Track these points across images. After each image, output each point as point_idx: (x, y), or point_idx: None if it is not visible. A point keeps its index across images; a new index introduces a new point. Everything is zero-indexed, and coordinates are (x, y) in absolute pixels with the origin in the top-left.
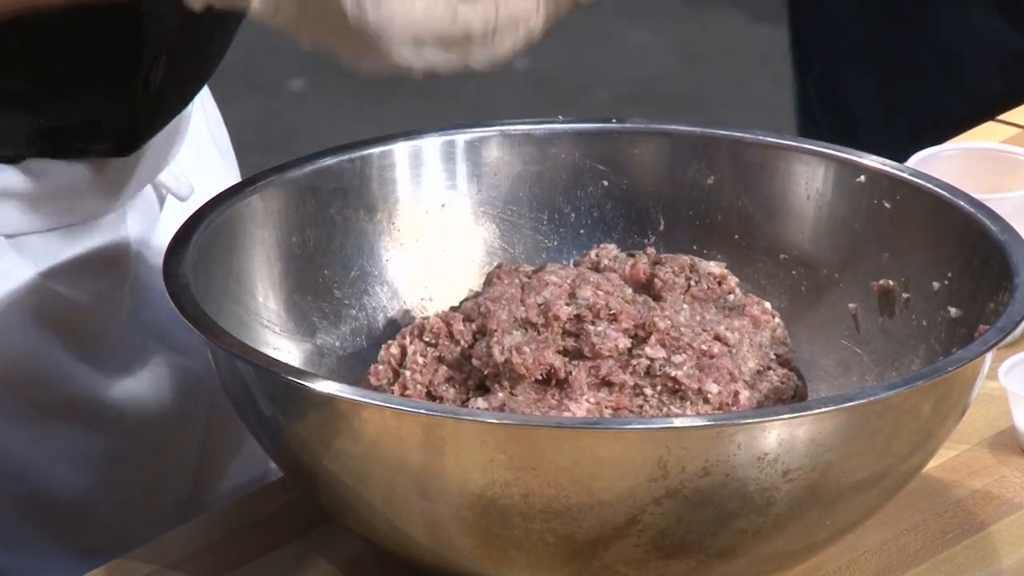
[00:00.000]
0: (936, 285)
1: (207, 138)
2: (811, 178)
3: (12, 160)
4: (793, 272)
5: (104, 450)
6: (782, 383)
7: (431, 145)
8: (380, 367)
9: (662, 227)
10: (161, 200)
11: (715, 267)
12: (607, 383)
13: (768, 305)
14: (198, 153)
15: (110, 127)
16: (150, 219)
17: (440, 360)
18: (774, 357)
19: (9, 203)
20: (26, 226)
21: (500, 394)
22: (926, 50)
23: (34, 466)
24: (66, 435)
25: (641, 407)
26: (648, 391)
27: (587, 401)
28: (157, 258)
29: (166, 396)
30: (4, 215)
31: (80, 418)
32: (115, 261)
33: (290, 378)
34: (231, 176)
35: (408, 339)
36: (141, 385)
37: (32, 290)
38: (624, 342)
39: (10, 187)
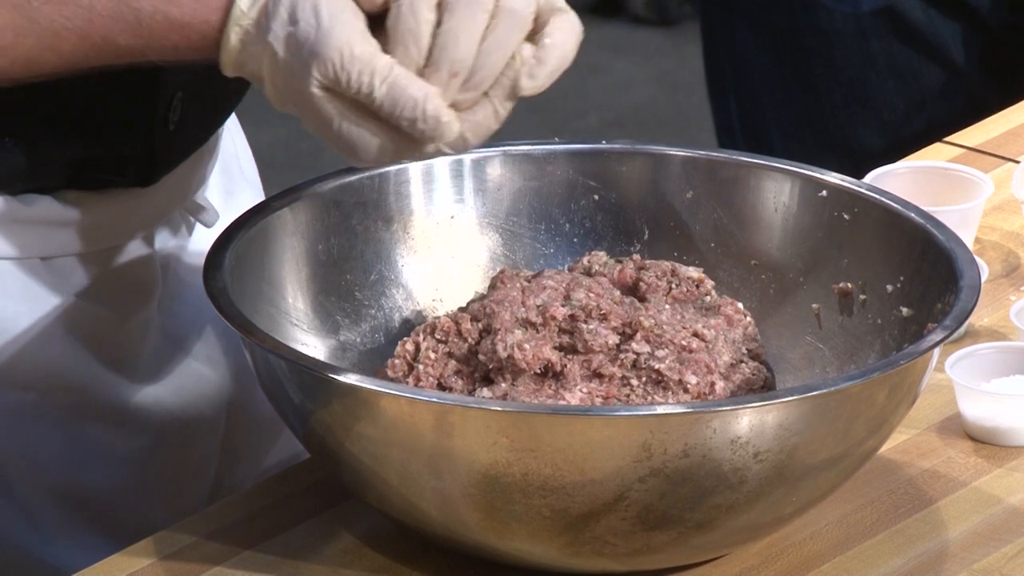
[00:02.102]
0: (890, 288)
1: (236, 169)
2: (778, 193)
3: (45, 190)
4: (763, 276)
5: (133, 449)
6: (753, 375)
7: (441, 164)
8: (396, 361)
9: (646, 236)
10: (189, 226)
11: (693, 272)
12: (598, 375)
13: (741, 305)
14: (228, 183)
15: (132, 161)
16: (179, 242)
17: (450, 355)
18: (746, 352)
19: (44, 229)
20: (59, 249)
21: (503, 385)
22: (832, 77)
23: (70, 464)
24: (98, 436)
25: (628, 396)
26: (634, 382)
27: (580, 391)
28: (184, 277)
29: (188, 402)
30: (39, 239)
31: (110, 421)
32: (144, 281)
33: (317, 371)
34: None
35: (421, 336)
36: (166, 392)
37: (67, 307)
38: (613, 339)
39: (44, 215)
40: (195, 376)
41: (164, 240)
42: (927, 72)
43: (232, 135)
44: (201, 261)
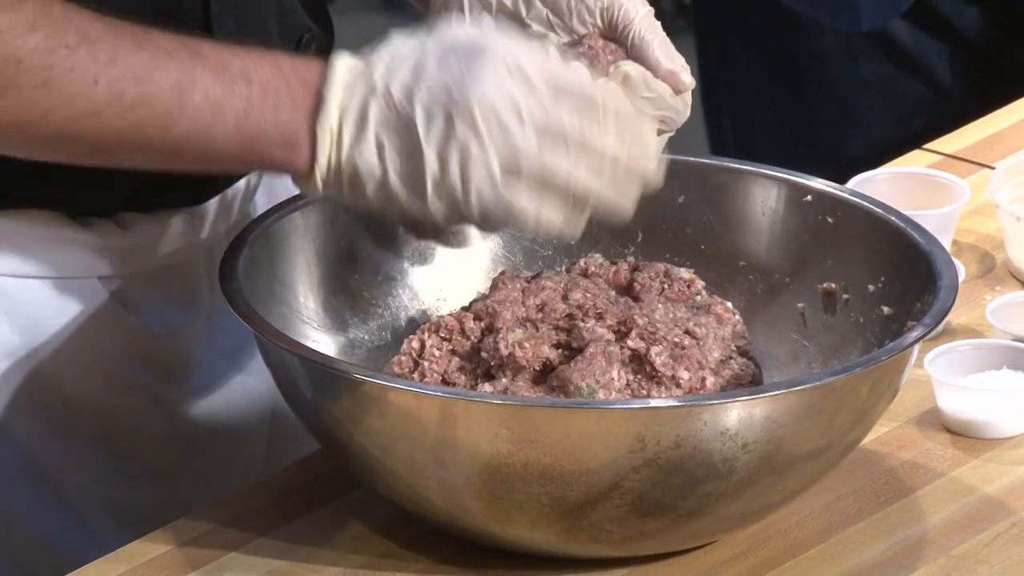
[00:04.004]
0: (871, 287)
1: (281, 183)
2: (766, 197)
3: (102, 213)
4: (751, 277)
5: (180, 459)
6: (742, 370)
7: None
8: (403, 358)
9: (640, 239)
10: None
11: (685, 273)
12: None
13: (730, 305)
14: (271, 197)
15: (182, 185)
16: None
17: (453, 352)
18: (735, 348)
19: (101, 250)
20: (115, 269)
21: (504, 380)
22: (823, 96)
23: (120, 474)
24: (150, 445)
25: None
26: (629, 376)
27: None
28: None
29: (235, 412)
30: (97, 260)
31: (160, 432)
32: (193, 298)
33: (327, 367)
34: None
35: (426, 334)
36: (214, 403)
37: (122, 324)
38: (609, 336)
39: (102, 237)
40: (241, 387)
41: (212, 257)
42: (913, 91)
43: None
44: None
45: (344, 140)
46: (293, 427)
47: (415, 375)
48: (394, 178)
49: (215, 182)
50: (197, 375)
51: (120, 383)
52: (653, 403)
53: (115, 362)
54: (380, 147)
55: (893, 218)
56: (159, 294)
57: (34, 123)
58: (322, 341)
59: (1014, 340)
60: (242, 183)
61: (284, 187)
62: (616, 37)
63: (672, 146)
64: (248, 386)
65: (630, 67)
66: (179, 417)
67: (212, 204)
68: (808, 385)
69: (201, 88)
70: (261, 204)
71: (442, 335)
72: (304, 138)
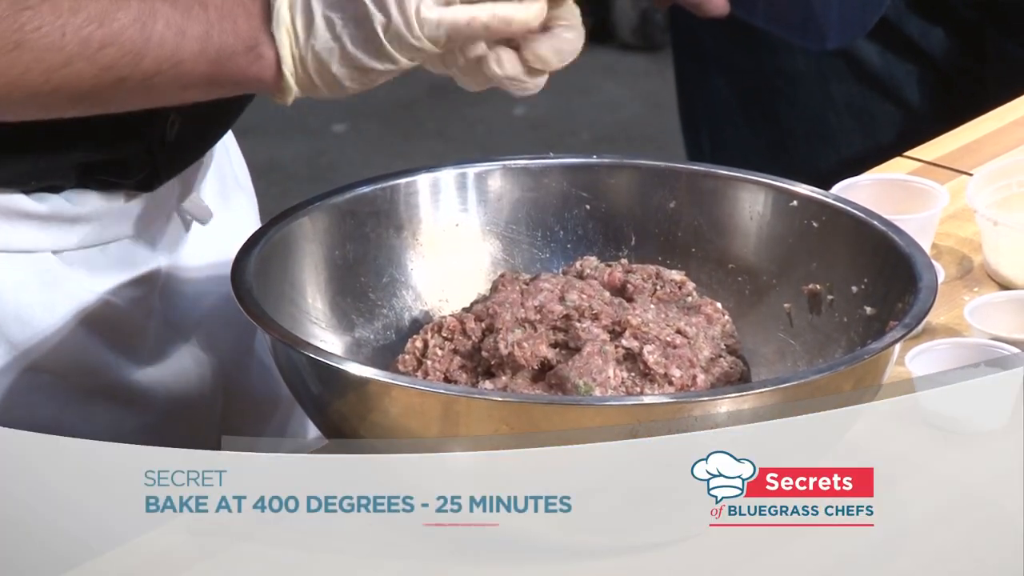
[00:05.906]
0: (855, 289)
1: (230, 175)
2: (753, 202)
3: (56, 189)
4: (739, 278)
5: (140, 425)
6: (731, 368)
7: (447, 176)
8: (406, 356)
9: (633, 242)
10: (187, 223)
11: (676, 275)
12: None
13: (719, 305)
14: (222, 187)
15: (134, 167)
16: (178, 238)
17: (455, 352)
18: (724, 347)
19: (55, 225)
20: (70, 244)
21: (504, 378)
22: (795, 115)
23: (81, 437)
24: (107, 413)
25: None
26: (623, 374)
27: None
28: (183, 269)
29: (189, 382)
30: (51, 235)
31: (119, 399)
32: (147, 272)
33: (334, 364)
34: (249, 206)
35: (429, 334)
36: (169, 373)
37: (77, 296)
38: (604, 336)
39: (55, 212)
40: (195, 359)
41: (164, 236)
42: (883, 110)
43: (228, 149)
44: (197, 255)
45: (299, 32)
46: (248, 398)
47: (418, 373)
48: (351, 47)
49: (165, 168)
50: (151, 346)
51: (76, 353)
52: (646, 399)
53: (71, 333)
54: (331, 24)
55: (875, 222)
56: (112, 269)
57: (12, 85)
58: (329, 340)
59: (991, 339)
60: (192, 168)
61: (231, 172)
62: None
63: (664, 151)
64: (202, 359)
65: None
66: (135, 386)
67: (161, 187)
68: (794, 382)
69: (161, 17)
70: (211, 187)
71: (444, 335)
72: (265, 43)
